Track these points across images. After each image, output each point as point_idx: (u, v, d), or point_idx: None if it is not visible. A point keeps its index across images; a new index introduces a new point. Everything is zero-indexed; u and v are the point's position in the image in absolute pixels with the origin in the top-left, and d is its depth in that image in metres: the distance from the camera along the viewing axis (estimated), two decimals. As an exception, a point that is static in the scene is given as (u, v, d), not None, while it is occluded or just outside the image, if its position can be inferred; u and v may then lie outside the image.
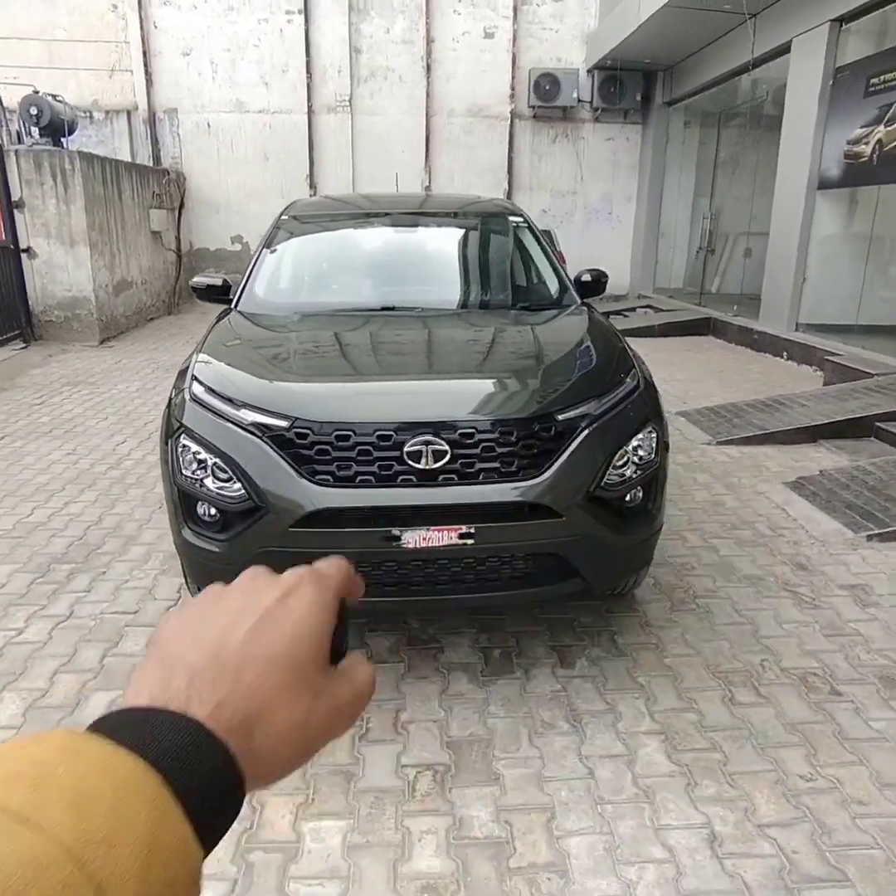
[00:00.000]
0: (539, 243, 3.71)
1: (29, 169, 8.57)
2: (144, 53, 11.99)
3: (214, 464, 2.31)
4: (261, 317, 3.16)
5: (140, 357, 8.44)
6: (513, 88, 12.33)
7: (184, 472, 2.39)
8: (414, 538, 2.20)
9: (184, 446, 2.39)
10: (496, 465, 2.26)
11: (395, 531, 2.20)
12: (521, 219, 3.86)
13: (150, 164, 12.16)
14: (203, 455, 2.35)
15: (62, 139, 9.60)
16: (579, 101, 12.29)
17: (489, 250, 3.83)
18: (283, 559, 2.27)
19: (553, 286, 3.52)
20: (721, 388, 7.03)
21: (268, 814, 2.03)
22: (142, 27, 11.89)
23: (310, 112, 12.37)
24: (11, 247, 8.59)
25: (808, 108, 7.71)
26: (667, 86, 11.89)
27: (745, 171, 10.74)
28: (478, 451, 2.25)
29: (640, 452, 2.47)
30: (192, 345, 9.93)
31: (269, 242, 3.65)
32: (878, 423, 5.38)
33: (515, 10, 11.98)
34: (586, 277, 3.58)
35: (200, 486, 2.35)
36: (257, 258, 3.54)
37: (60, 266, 8.91)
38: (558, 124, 12.70)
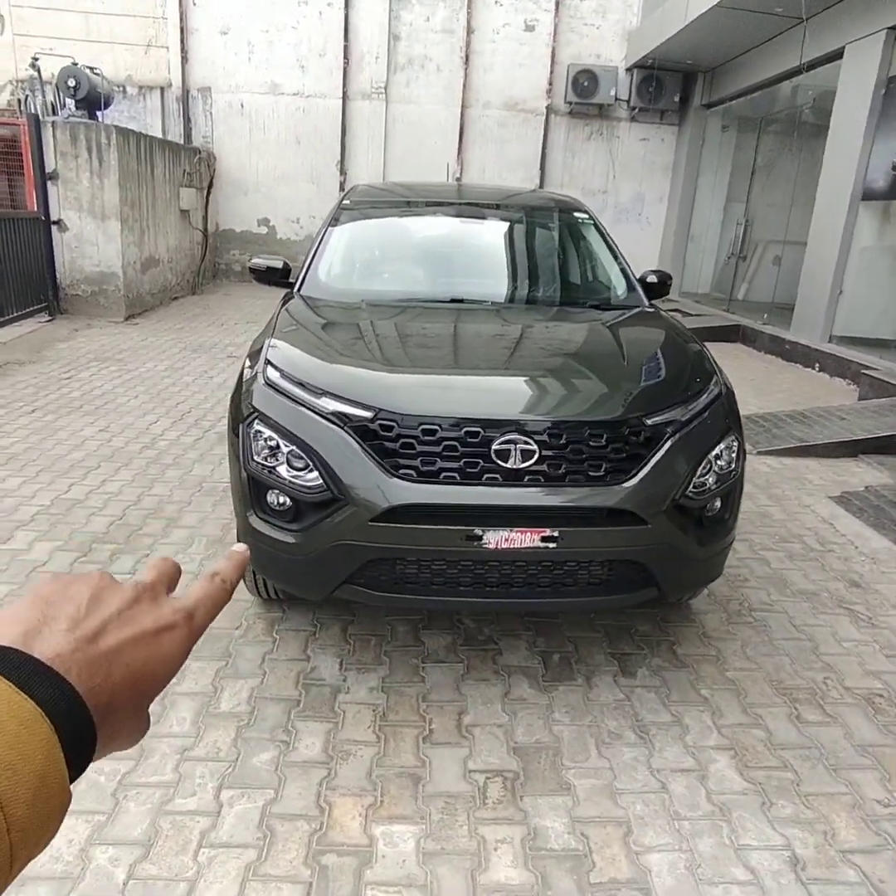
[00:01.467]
0: (605, 241, 3.64)
1: (64, 141, 8.50)
2: (181, 30, 11.89)
3: (290, 451, 2.26)
4: (327, 302, 3.10)
5: (166, 336, 8.39)
6: (550, 83, 12.21)
7: (255, 458, 2.33)
8: (496, 539, 2.15)
9: (257, 431, 2.33)
10: (583, 467, 2.20)
11: (478, 531, 2.14)
12: (586, 215, 3.79)
13: (181, 143, 12.08)
14: (276, 441, 2.29)
15: (97, 112, 9.54)
16: (616, 99, 12.17)
17: (557, 246, 3.76)
18: (359, 553, 2.23)
19: (621, 286, 3.45)
20: (755, 396, 6.95)
21: (336, 814, 1.98)
22: (180, 3, 11.79)
23: (344, 97, 12.26)
24: (43, 218, 8.53)
25: (858, 117, 7.60)
26: (707, 88, 11.75)
27: (781, 179, 10.63)
28: (566, 452, 2.19)
29: (722, 462, 2.41)
30: (217, 326, 9.86)
31: (331, 227, 3.58)
32: (920, 441, 5.31)
33: (557, 3, 11.85)
34: (651, 279, 3.52)
35: (272, 473, 2.30)
36: (320, 242, 3.48)
37: (90, 240, 8.85)
38: (594, 122, 12.58)
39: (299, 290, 3.26)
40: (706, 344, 2.96)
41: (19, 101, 10.59)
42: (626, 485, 2.20)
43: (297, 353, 2.54)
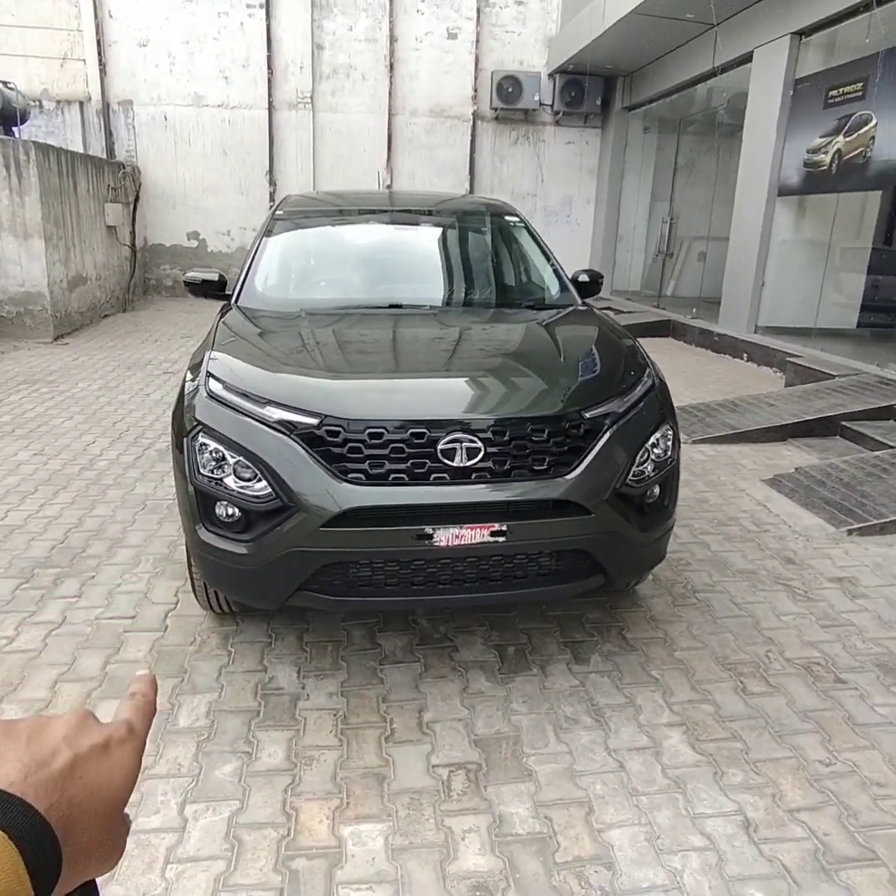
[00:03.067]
0: (537, 243, 3.73)
1: (-20, 158, 8.22)
2: (98, 42, 11.62)
3: (236, 462, 2.26)
4: (265, 313, 3.10)
5: (98, 355, 8.18)
6: (475, 90, 12.38)
7: (201, 471, 2.32)
8: (446, 536, 2.19)
9: (202, 444, 2.32)
10: (527, 462, 2.27)
11: (428, 529, 2.18)
12: (517, 218, 3.88)
13: (104, 157, 11.79)
14: (223, 453, 2.29)
15: (13, 128, 9.26)
16: (541, 104, 12.42)
17: (491, 249, 3.84)
18: (312, 559, 2.24)
19: (554, 286, 3.55)
20: (688, 388, 7.19)
21: (303, 819, 1.99)
22: (96, 15, 11.52)
23: (270, 108, 12.18)
24: (-39, 239, 8.23)
25: (769, 117, 7.96)
26: (627, 91, 12.11)
27: (702, 177, 11.03)
28: (510, 448, 2.25)
29: (658, 450, 2.51)
30: (150, 342, 9.64)
31: (265, 237, 3.58)
32: (843, 423, 5.59)
33: (478, 11, 12.03)
34: (583, 278, 3.62)
35: (220, 485, 2.29)
36: (255, 253, 3.47)
37: (13, 260, 8.57)
38: (520, 126, 12.81)
39: (236, 301, 3.25)
40: (639, 339, 3.08)
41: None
42: (568, 477, 2.27)
43: (239, 364, 2.53)
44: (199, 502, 2.35)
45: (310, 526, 2.17)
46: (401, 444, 2.20)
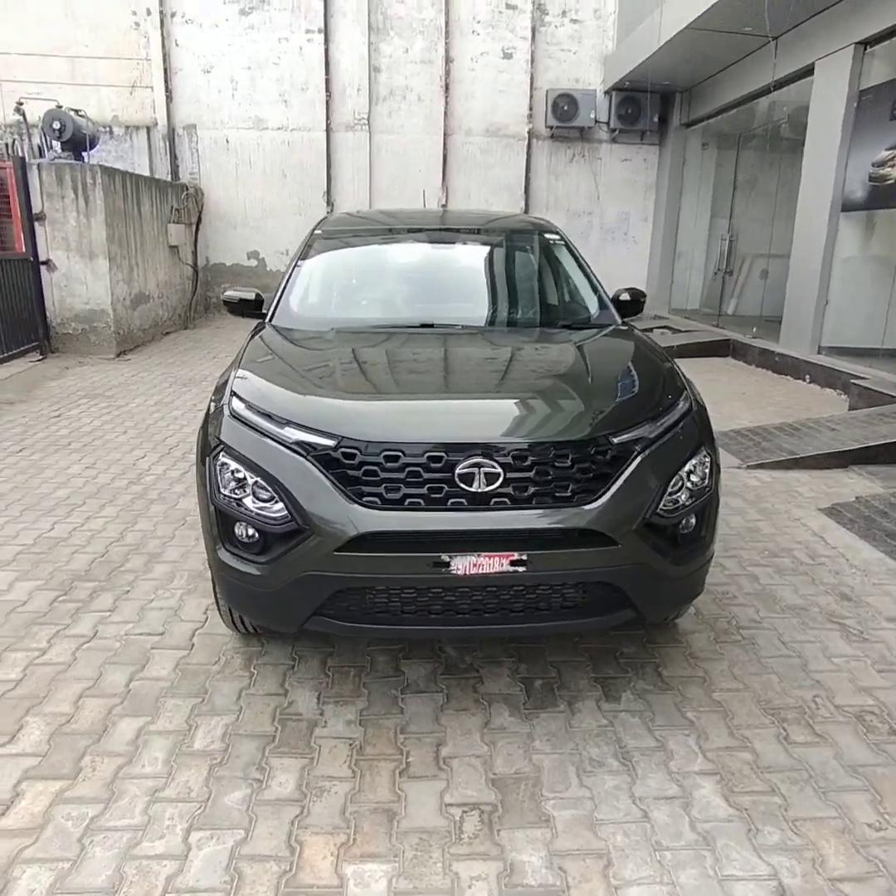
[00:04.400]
0: (576, 261, 3.64)
1: (51, 182, 8.60)
2: (165, 70, 12.09)
3: (255, 483, 2.23)
4: (297, 332, 3.10)
5: (157, 371, 8.41)
6: (530, 108, 12.38)
7: (222, 490, 2.31)
8: (464, 564, 2.11)
9: (223, 464, 2.31)
10: (550, 489, 2.17)
11: (445, 557, 2.11)
12: (557, 236, 3.80)
13: (169, 180, 12.22)
14: (243, 473, 2.27)
15: (83, 153, 9.67)
16: (596, 121, 12.33)
17: (527, 267, 3.77)
18: (327, 584, 2.19)
19: (593, 305, 3.45)
20: (745, 410, 6.94)
21: (308, 855, 1.92)
22: (163, 44, 12.00)
23: (328, 130, 12.43)
24: (31, 259, 8.60)
25: (832, 130, 7.68)
26: (684, 107, 11.91)
27: (763, 193, 10.72)
28: (531, 474, 2.17)
29: (694, 478, 2.38)
30: (208, 359, 9.88)
31: (303, 257, 3.59)
32: (910, 449, 5.28)
33: (533, 31, 12.06)
34: (624, 296, 3.51)
35: (239, 505, 2.27)
36: (291, 273, 3.48)
37: (79, 279, 8.91)
38: (575, 144, 12.73)
39: (271, 320, 3.26)
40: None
41: (6, 145, 10.74)
42: (593, 505, 2.17)
43: (263, 383, 2.52)
44: (219, 522, 2.33)
45: (324, 550, 2.12)
46: (418, 468, 2.14)
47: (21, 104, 9.76)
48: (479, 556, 2.11)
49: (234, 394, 2.47)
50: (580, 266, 3.63)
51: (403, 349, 2.89)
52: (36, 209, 8.64)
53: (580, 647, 2.88)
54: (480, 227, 3.93)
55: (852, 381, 6.90)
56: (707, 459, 2.43)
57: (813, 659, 2.85)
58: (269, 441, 2.25)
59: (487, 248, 3.79)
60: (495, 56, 12.24)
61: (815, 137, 8.09)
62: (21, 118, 9.86)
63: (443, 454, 2.15)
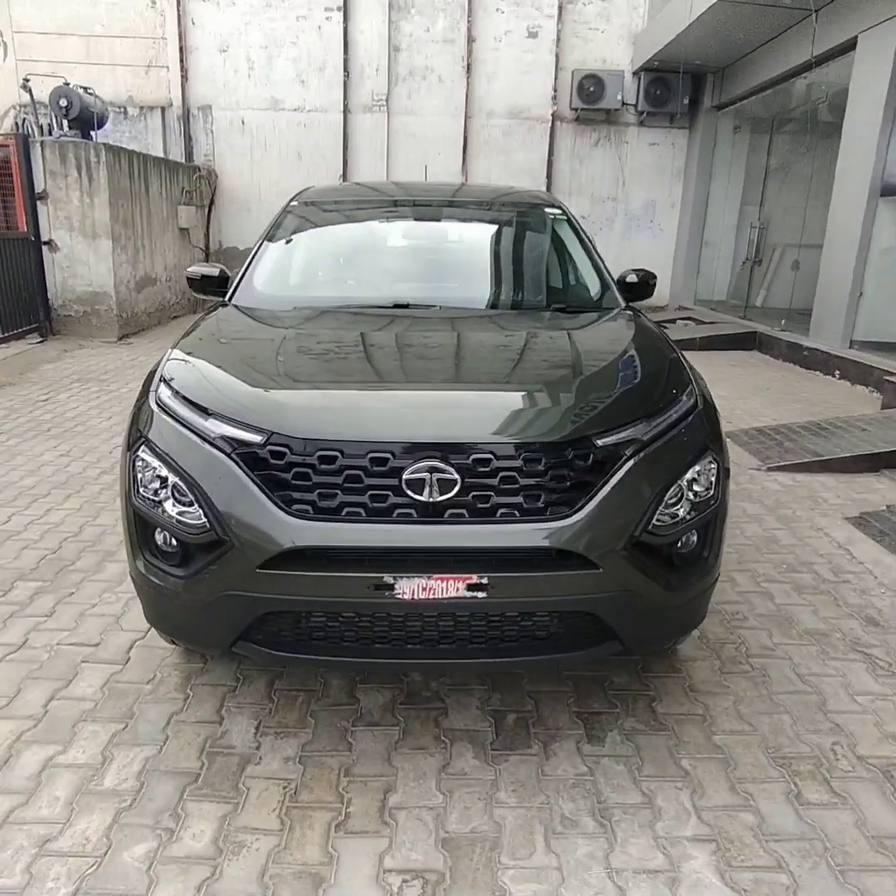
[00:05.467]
0: (579, 238, 3.26)
1: (54, 160, 8.36)
2: (181, 49, 11.79)
3: (174, 485, 1.91)
4: (255, 312, 2.77)
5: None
6: (555, 90, 11.89)
7: (141, 491, 1.99)
8: (411, 588, 1.77)
9: (143, 461, 1.99)
10: (518, 500, 1.82)
11: (388, 578, 1.77)
12: (559, 211, 3.42)
13: (183, 161, 11.96)
14: (164, 472, 1.94)
15: (92, 132, 9.42)
16: (624, 103, 11.82)
17: (522, 245, 3.39)
18: (250, 606, 1.87)
19: (594, 287, 3.07)
20: (770, 407, 6.50)
21: (209, 932, 1.60)
22: (179, 23, 11.70)
23: (345, 111, 12.06)
24: (33, 239, 8.38)
25: (874, 109, 7.15)
26: (716, 89, 11.35)
27: (797, 180, 10.18)
28: (495, 482, 1.82)
29: (697, 487, 2.00)
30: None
31: (272, 231, 3.26)
32: (950, 454, 4.82)
33: (560, 8, 11.56)
34: (631, 278, 3.13)
35: (158, 509, 1.95)
36: (258, 248, 3.15)
37: (81, 260, 8.68)
38: (601, 128, 12.23)
39: (230, 298, 2.93)
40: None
41: (16, 124, 10.55)
42: (570, 520, 1.81)
43: (195, 368, 2.19)
44: (138, 528, 2.01)
45: (245, 566, 1.79)
46: (358, 472, 1.80)
47: (27, 81, 9.53)
48: (429, 578, 1.77)
49: (162, 380, 2.14)
50: (582, 243, 3.25)
51: (364, 331, 2.54)
52: (39, 188, 8.41)
53: (564, 676, 2.52)
54: (472, 200, 3.56)
55: (886, 377, 6.41)
56: (713, 466, 2.06)
57: (833, 697, 2.47)
58: (191, 436, 1.93)
59: (477, 224, 3.42)
60: (520, 35, 11.76)
61: (854, 116, 7.57)
62: (29, 96, 9.62)
63: (388, 455, 1.80)
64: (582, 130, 12.28)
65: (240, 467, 1.84)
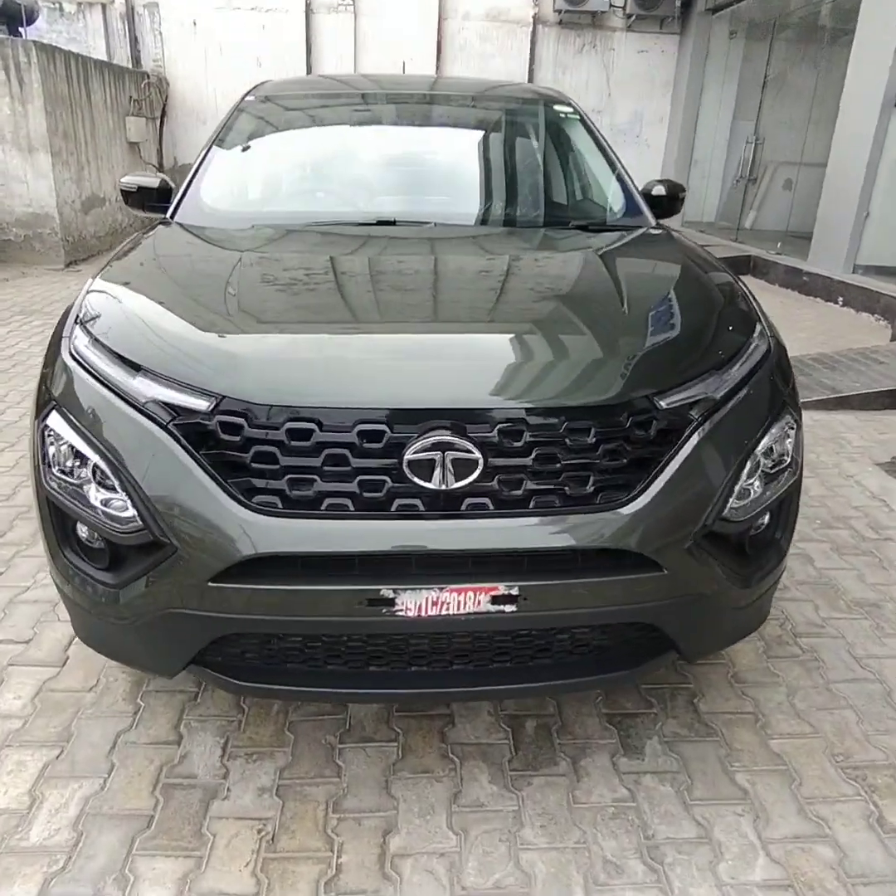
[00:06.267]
0: (595, 142, 2.73)
1: (-24, 60, 7.39)
2: (119, -65, 10.52)
3: (96, 465, 1.43)
4: (203, 231, 2.22)
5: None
6: (537, -12, 10.90)
7: (55, 472, 1.50)
8: (417, 603, 1.35)
9: (53, 433, 1.50)
10: (560, 484, 1.38)
11: (387, 591, 1.34)
12: (570, 109, 2.86)
13: (129, 67, 10.83)
14: (82, 447, 1.46)
15: (20, 28, 8.38)
16: (611, 6, 10.89)
17: (529, 148, 2.84)
18: (202, 628, 1.42)
19: (617, 201, 2.55)
20: (773, 338, 6.07)
21: None
22: None
23: (308, 11, 10.96)
24: (-41, 153, 7.50)
25: (891, 9, 6.50)
26: (712, -12, 10.47)
27: (797, 92, 9.52)
28: (529, 461, 1.37)
29: (774, 456, 1.58)
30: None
31: (223, 134, 2.67)
32: (974, 388, 4.47)
33: None
34: (658, 190, 2.63)
35: (76, 497, 1.47)
36: (206, 154, 2.57)
37: (18, 177, 7.81)
38: (586, 32, 11.30)
39: (173, 215, 2.37)
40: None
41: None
42: (627, 509, 1.38)
43: (122, 306, 1.67)
44: (53, 517, 1.54)
45: (191, 578, 1.34)
46: (342, 451, 1.34)
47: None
48: (441, 589, 1.34)
49: (78, 321, 1.63)
50: (601, 148, 2.72)
51: (343, 256, 2.02)
52: (-38, 93, 7.47)
53: (588, 668, 2.14)
54: (468, 95, 2.96)
55: (897, 305, 6.02)
56: (792, 429, 1.62)
57: (899, 684, 2.13)
58: (114, 400, 1.44)
59: (475, 123, 2.85)
60: (498, -77, 10.66)
61: (868, 18, 6.90)
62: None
63: (383, 427, 1.34)
64: (565, 35, 11.34)
65: (179, 444, 1.37)
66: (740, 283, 1.90)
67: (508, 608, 1.38)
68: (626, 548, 1.39)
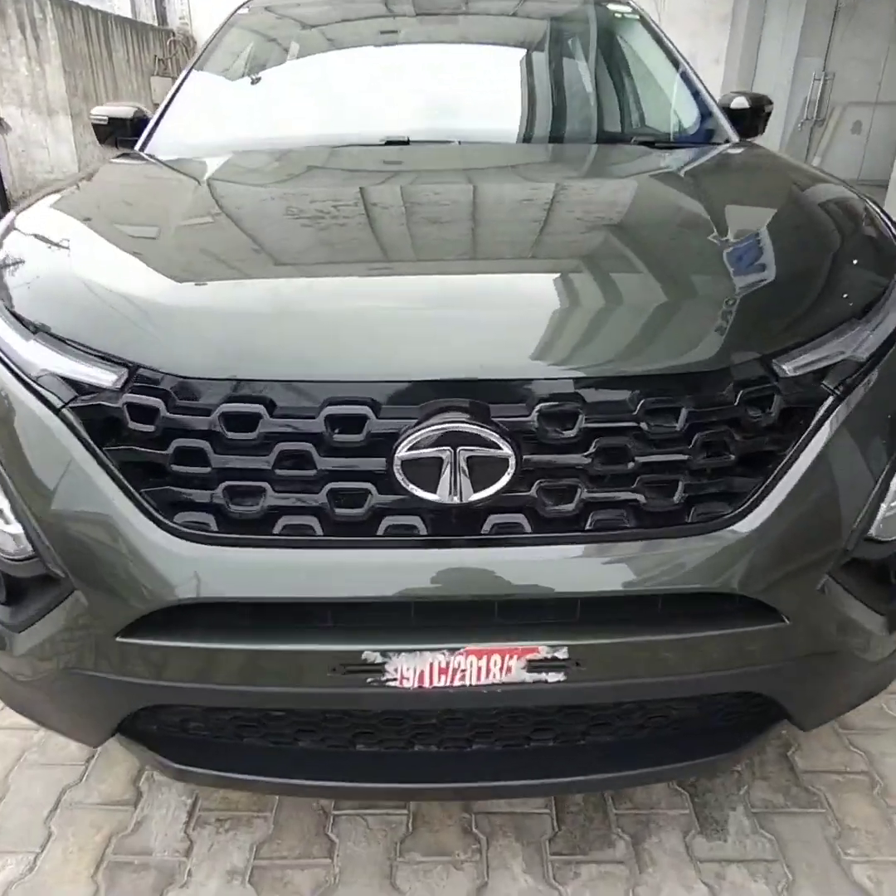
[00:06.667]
0: (660, 45, 2.20)
1: (-10, 17, 7.07)
2: None
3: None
4: (170, 162, 1.78)
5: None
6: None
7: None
8: (417, 670, 0.92)
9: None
10: (631, 493, 0.94)
11: (371, 653, 0.92)
12: (628, 9, 2.33)
13: (153, 24, 10.44)
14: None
15: (38, -15, 8.00)
16: (664, -66, 10.00)
17: (579, 54, 2.30)
18: (113, 695, 0.98)
19: (690, 113, 2.03)
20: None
21: None
22: None
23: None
24: (-22, 117, 7.24)
25: None
26: None
27: (872, 23, 8.64)
28: (585, 458, 0.93)
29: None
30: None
31: (207, 54, 2.23)
32: None
33: None
34: (739, 103, 2.11)
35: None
36: (185, 77, 2.13)
37: (38, 142, 7.53)
38: (636, -33, 10.46)
39: (144, 147, 1.94)
40: None
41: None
42: (736, 530, 0.92)
43: (32, 252, 1.25)
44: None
45: (95, 628, 0.95)
46: (304, 445, 0.91)
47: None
48: (453, 652, 0.91)
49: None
50: (667, 53, 2.19)
51: (332, 184, 1.56)
52: (-22, 53, 7.18)
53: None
54: None
55: None
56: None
57: None
58: (0, 371, 1.03)
59: (511, 23, 2.32)
60: None
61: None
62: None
63: (365, 409, 0.92)
64: (614, -29, 10.52)
65: (76, 435, 0.96)
66: (876, 208, 1.38)
67: (552, 678, 0.95)
68: (735, 590, 0.93)
